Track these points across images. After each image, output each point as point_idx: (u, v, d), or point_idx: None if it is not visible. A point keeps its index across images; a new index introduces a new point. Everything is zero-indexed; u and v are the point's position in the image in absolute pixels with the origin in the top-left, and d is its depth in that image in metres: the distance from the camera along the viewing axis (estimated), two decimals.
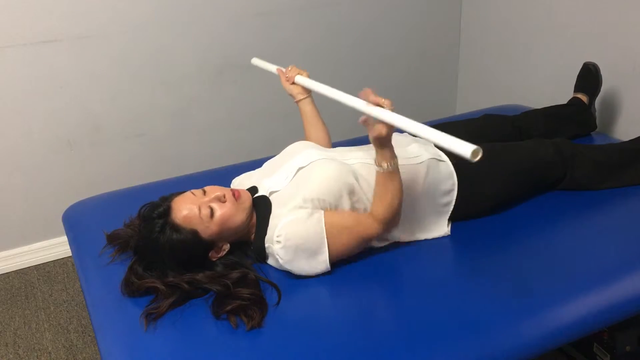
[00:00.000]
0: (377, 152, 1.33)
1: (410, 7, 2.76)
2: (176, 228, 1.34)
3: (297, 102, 1.75)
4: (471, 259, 1.47)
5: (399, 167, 1.36)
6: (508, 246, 1.51)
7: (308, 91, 1.73)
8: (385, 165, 1.33)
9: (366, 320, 1.27)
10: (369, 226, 1.39)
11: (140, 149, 2.44)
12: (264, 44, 2.50)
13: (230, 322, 1.25)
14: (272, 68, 1.84)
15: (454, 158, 1.60)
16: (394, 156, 1.34)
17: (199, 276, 1.34)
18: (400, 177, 1.37)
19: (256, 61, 1.95)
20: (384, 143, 1.30)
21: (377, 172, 1.35)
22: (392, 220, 1.40)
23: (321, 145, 1.68)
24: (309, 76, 1.71)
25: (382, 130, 1.26)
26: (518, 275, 1.38)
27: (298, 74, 1.72)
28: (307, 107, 1.75)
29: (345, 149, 1.62)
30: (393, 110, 1.25)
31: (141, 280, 1.34)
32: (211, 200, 1.38)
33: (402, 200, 1.39)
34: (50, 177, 2.33)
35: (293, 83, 1.73)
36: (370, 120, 1.27)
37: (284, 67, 1.77)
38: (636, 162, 1.73)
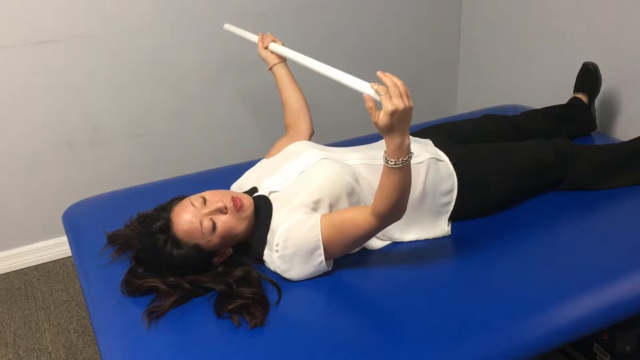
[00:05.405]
0: (385, 142, 1.18)
1: (410, 7, 2.76)
2: (178, 244, 1.33)
3: (271, 67, 1.78)
4: (471, 259, 1.46)
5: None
6: (508, 246, 1.51)
7: (282, 58, 1.75)
8: (391, 161, 1.18)
9: (366, 320, 1.27)
10: (366, 224, 1.30)
11: (140, 149, 2.44)
12: None
13: (233, 321, 1.25)
14: (251, 36, 1.85)
15: (454, 158, 1.60)
16: (405, 151, 1.17)
17: (201, 276, 1.35)
18: (410, 174, 1.22)
19: (229, 27, 1.97)
20: (388, 131, 1.14)
21: (384, 165, 1.20)
22: (393, 216, 1.29)
23: (300, 107, 1.73)
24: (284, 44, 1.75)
25: (382, 119, 1.12)
26: (518, 275, 1.38)
27: (273, 41, 1.75)
28: (281, 70, 1.77)
29: (347, 149, 1.62)
30: (405, 94, 1.12)
31: (142, 280, 1.33)
32: (212, 213, 1.35)
33: (408, 197, 1.27)
34: (50, 177, 2.33)
35: (266, 48, 1.76)
36: (371, 104, 1.15)
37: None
38: (636, 162, 1.73)
